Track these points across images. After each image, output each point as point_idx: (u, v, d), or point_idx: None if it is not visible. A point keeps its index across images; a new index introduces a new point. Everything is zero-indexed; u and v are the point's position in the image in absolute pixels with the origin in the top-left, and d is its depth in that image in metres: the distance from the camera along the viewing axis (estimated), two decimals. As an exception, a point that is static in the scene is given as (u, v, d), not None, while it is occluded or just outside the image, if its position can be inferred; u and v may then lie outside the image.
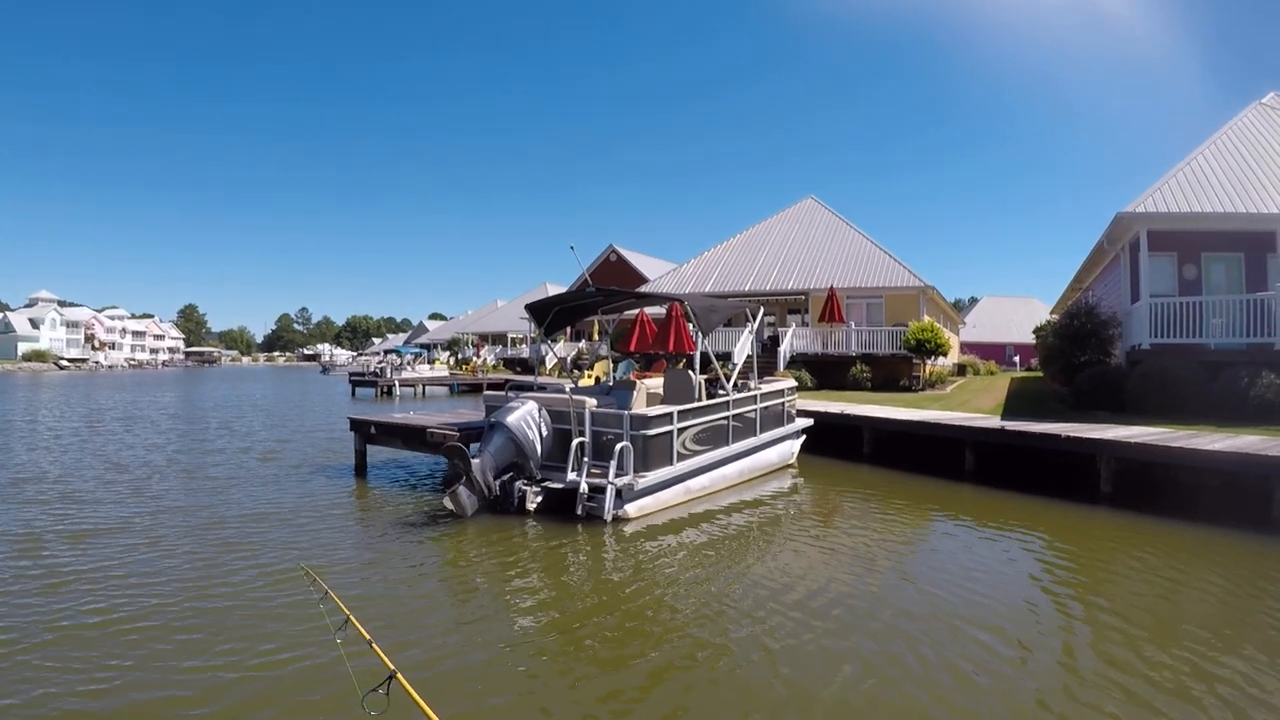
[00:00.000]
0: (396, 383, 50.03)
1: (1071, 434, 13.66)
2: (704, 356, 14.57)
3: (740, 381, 15.22)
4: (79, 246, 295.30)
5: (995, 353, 57.26)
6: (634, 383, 13.96)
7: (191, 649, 6.49)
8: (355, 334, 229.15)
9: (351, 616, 4.44)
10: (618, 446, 11.45)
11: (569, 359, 39.16)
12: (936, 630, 6.94)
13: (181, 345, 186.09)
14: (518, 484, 11.63)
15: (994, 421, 16.41)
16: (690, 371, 14.05)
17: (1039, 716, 5.41)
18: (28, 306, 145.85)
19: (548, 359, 41.79)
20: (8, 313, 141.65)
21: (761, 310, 17.60)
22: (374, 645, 4.15)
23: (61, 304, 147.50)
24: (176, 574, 8.65)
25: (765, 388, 15.54)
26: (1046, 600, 8.05)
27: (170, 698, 5.63)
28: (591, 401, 12.12)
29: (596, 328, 47.36)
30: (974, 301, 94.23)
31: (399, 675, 3.67)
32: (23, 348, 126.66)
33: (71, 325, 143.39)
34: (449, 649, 6.59)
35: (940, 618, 7.27)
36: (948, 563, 9.45)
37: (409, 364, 60.09)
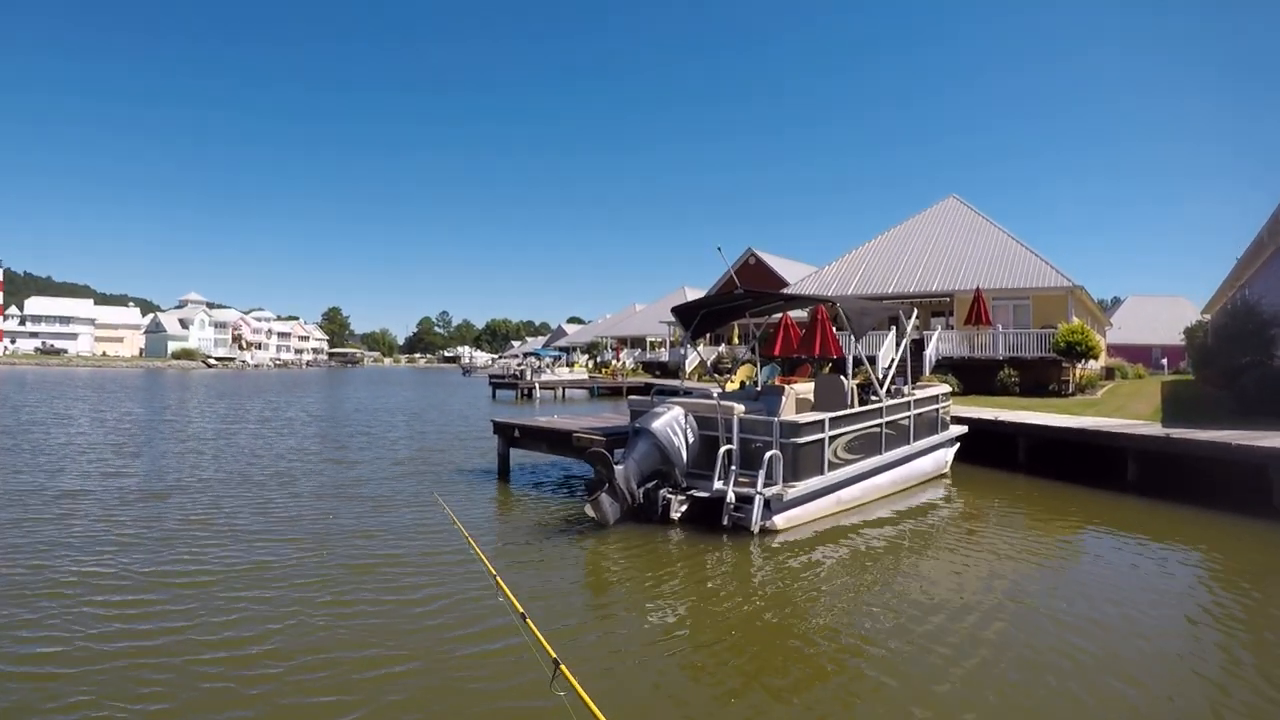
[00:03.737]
0: (537, 385, 51.44)
1: (1243, 443, 12.85)
2: (856, 361, 14.35)
3: (893, 387, 14.93)
4: (228, 251, 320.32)
5: (1142, 355, 54.57)
6: (783, 388, 13.88)
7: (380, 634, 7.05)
8: (495, 337, 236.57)
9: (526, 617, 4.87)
10: (767, 455, 11.45)
11: (709, 363, 39.21)
12: (1089, 667, 6.64)
13: (325, 346, 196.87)
14: (662, 492, 11.77)
15: (1156, 429, 15.70)
16: (842, 377, 13.86)
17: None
18: (178, 308, 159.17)
19: (688, 363, 41.96)
20: (159, 313, 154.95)
21: (915, 312, 17.20)
22: (542, 640, 4.50)
23: (210, 305, 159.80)
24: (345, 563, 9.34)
25: (919, 393, 15.22)
26: (1216, 635, 7.53)
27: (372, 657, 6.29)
28: (740, 408, 12.16)
29: (736, 332, 47.26)
30: (1118, 302, 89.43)
31: (562, 666, 3.98)
32: (173, 346, 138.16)
33: (219, 326, 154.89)
34: (587, 658, 6.74)
35: (1096, 653, 6.95)
36: (1113, 584, 9.05)
37: (548, 367, 61.74)
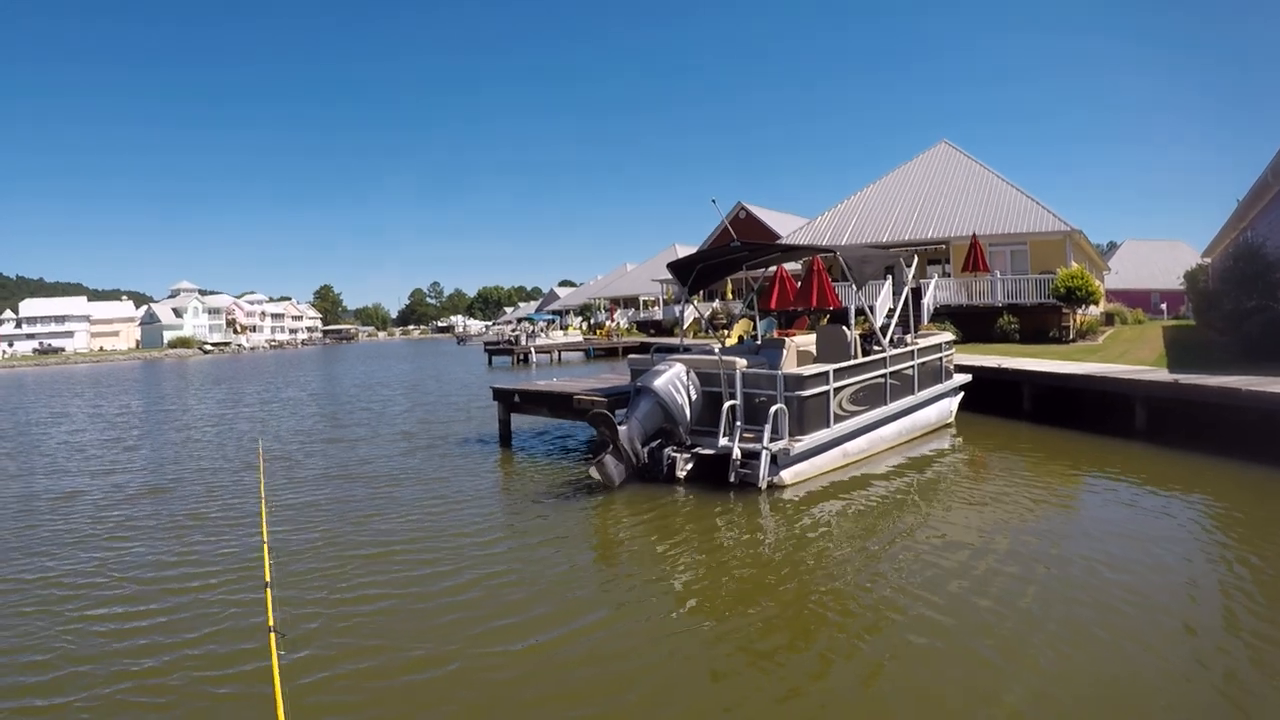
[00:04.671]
0: (532, 350, 51.34)
1: (1252, 389, 12.76)
2: (859, 310, 14.21)
3: (896, 336, 14.79)
4: (216, 238, 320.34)
5: (1141, 300, 54.41)
6: (783, 341, 13.77)
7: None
8: (487, 304, 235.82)
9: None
10: (772, 409, 11.36)
11: (705, 319, 39.00)
12: (1110, 604, 6.66)
13: (319, 324, 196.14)
14: (667, 451, 11.73)
15: (1163, 374, 15.57)
16: (844, 327, 13.73)
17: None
18: (170, 297, 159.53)
19: (684, 319, 41.86)
20: (152, 304, 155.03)
21: (915, 258, 17.02)
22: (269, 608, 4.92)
23: (202, 292, 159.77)
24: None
25: (922, 342, 15.09)
26: (1218, 572, 7.56)
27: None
28: (742, 362, 12.07)
29: (730, 287, 47.05)
30: (1114, 246, 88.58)
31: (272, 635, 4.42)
32: (168, 336, 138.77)
33: (213, 311, 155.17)
34: (598, 624, 6.71)
35: (1111, 590, 6.97)
36: (1123, 530, 9.00)
37: (543, 331, 61.48)
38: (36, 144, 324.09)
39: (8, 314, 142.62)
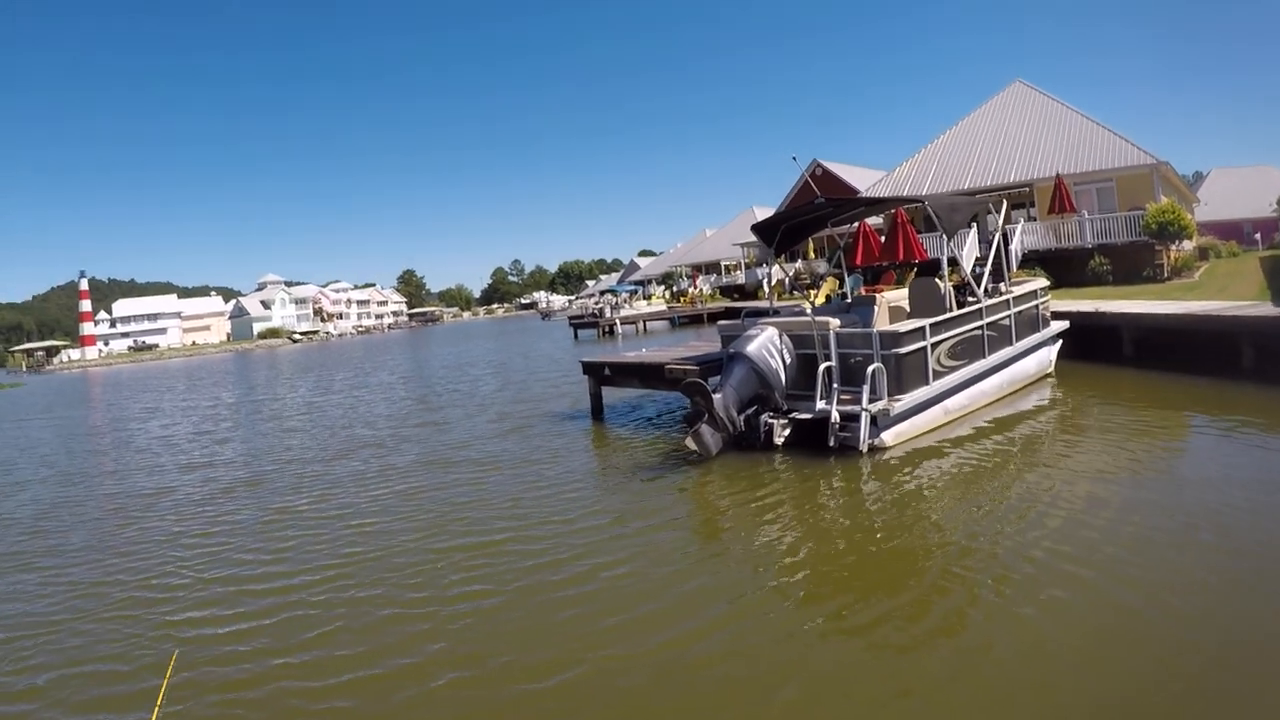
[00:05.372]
0: (617, 321, 51.60)
1: None
2: (951, 261, 13.78)
3: (989, 286, 14.30)
4: (298, 230, 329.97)
5: (1233, 231, 51.33)
6: (873, 297, 13.42)
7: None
8: (569, 279, 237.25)
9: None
10: (869, 369, 11.08)
11: (788, 280, 38.54)
12: (1243, 549, 6.39)
13: (404, 308, 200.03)
14: (763, 417, 11.57)
15: (1268, 309, 14.77)
16: (937, 279, 13.32)
17: None
18: (258, 290, 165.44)
19: (769, 281, 41.36)
20: (240, 298, 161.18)
21: (1005, 204, 16.41)
22: None
23: (288, 284, 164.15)
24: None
25: (1017, 290, 14.56)
26: None
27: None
28: (836, 322, 11.78)
29: (812, 246, 46.33)
30: (1200, 177, 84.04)
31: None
32: (258, 327, 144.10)
33: (300, 302, 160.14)
34: (718, 621, 6.32)
35: (1242, 536, 6.66)
36: (1247, 475, 8.55)
37: (626, 302, 61.66)
38: (126, 143, 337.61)
39: (102, 314, 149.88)
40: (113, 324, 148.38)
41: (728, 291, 63.79)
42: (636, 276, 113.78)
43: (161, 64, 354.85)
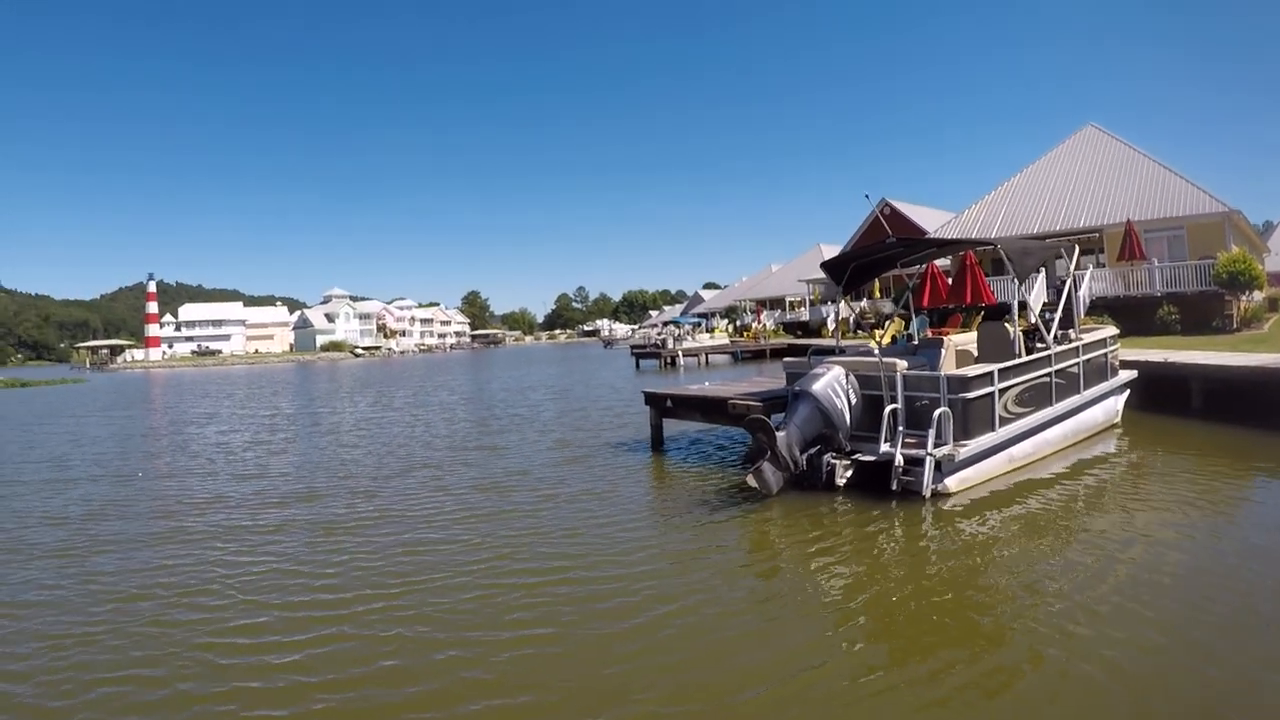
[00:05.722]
0: (680, 353, 51.72)
1: None
2: (1021, 305, 13.61)
3: (1059, 333, 14.10)
4: (366, 246, 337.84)
5: None
6: (940, 340, 13.32)
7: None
8: (632, 308, 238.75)
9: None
10: (935, 413, 10.98)
11: (852, 319, 38.37)
12: None
13: (467, 329, 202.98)
14: (826, 457, 11.48)
15: None
16: (1006, 324, 13.18)
17: None
18: (323, 303, 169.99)
19: (831, 320, 41.21)
20: (305, 310, 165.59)
21: (1076, 249, 16.19)
22: None
23: (353, 299, 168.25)
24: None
25: (1087, 337, 14.35)
26: None
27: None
28: (902, 364, 11.73)
29: (878, 285, 46.08)
30: (1270, 226, 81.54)
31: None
32: (320, 340, 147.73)
33: (364, 317, 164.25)
34: (760, 638, 6.52)
35: None
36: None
37: (689, 334, 61.80)
38: (202, 149, 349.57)
39: (168, 318, 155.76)
40: (178, 327, 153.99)
41: (791, 328, 63.69)
42: (700, 309, 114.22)
43: (244, 79, 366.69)
